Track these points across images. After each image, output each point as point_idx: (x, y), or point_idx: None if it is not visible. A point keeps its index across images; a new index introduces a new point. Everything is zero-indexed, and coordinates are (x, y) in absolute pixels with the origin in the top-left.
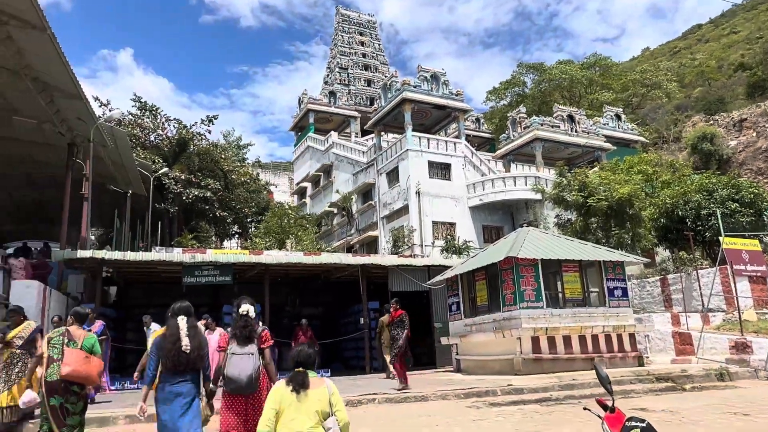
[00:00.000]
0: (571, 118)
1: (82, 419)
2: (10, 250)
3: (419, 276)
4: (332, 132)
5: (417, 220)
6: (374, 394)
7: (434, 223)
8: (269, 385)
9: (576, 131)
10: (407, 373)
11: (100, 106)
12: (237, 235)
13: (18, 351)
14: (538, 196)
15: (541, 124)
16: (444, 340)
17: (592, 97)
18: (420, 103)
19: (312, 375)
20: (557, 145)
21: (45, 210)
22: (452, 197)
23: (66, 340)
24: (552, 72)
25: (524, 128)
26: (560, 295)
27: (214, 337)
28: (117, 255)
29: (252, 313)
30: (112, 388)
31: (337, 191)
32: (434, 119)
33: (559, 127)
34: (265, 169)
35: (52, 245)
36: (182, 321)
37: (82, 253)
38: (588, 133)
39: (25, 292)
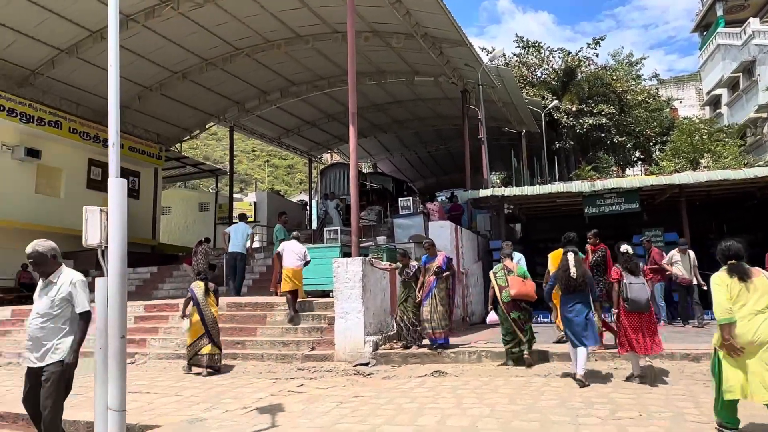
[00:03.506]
0: None
1: (531, 326)
2: (442, 197)
3: None
4: (750, 19)
5: None
6: None
7: None
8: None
9: None
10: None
11: (487, 55)
12: (639, 162)
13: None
14: None
15: None
16: None
17: None
18: None
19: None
20: None
21: (454, 160)
22: None
23: (507, 272)
24: None
25: None
26: None
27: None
28: (515, 191)
29: (630, 251)
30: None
31: (767, 89)
32: None
33: None
34: (665, 84)
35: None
36: (570, 255)
37: (483, 193)
38: None
39: (440, 231)
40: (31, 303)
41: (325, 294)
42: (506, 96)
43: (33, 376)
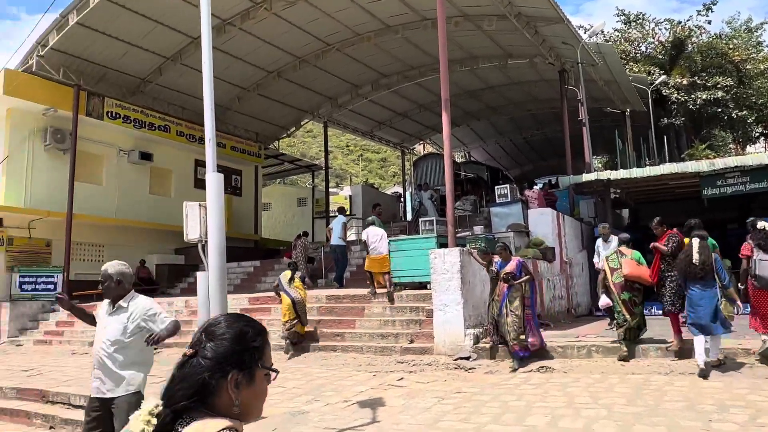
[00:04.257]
0: None
1: (642, 310)
2: (541, 184)
3: None
4: None
5: None
6: None
7: None
8: None
9: None
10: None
11: (585, 33)
12: (762, 137)
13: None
14: None
15: None
16: None
17: None
18: None
19: None
20: None
21: (552, 145)
22: None
23: (620, 255)
24: None
25: None
26: None
27: None
28: (622, 174)
29: None
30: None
31: None
32: None
33: None
34: None
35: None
36: (695, 241)
37: (586, 177)
38: None
39: (540, 219)
40: (147, 297)
41: (422, 286)
42: (608, 74)
43: (101, 406)
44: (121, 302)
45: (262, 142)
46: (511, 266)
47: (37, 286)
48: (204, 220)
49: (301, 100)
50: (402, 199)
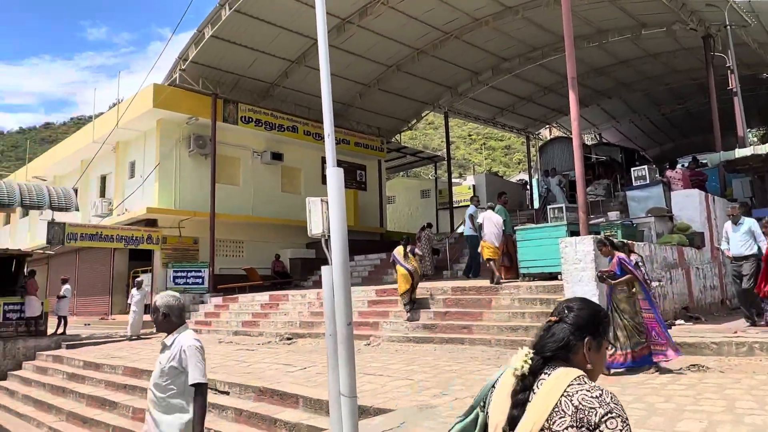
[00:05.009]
0: None
1: None
2: (683, 163)
3: None
4: None
5: None
6: None
7: None
8: None
9: None
10: None
11: None
12: None
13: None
14: None
15: None
16: None
17: None
18: None
19: None
20: None
21: (695, 120)
22: None
23: None
24: None
25: None
26: None
27: None
28: None
29: None
30: None
31: None
32: None
33: None
34: None
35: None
36: None
37: (739, 152)
38: None
39: (686, 202)
40: (282, 289)
41: (552, 276)
42: (763, 35)
43: None
44: (166, 339)
45: (384, 137)
46: (611, 264)
47: (188, 280)
48: (326, 214)
49: (421, 91)
50: (528, 187)
